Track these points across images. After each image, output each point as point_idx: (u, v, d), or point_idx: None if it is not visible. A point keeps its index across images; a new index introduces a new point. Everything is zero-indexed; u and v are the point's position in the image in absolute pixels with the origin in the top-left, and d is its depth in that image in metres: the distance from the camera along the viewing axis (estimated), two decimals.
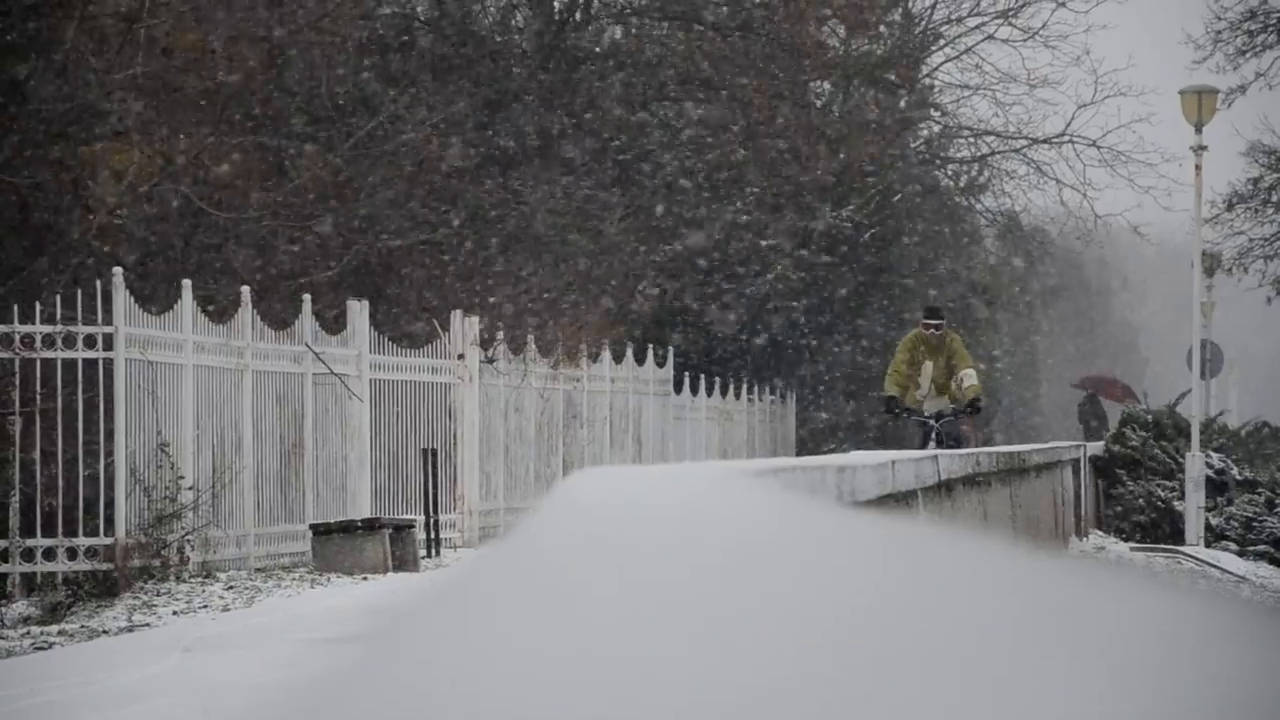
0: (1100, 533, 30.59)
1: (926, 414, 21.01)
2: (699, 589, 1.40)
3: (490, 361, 24.94)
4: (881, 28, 42.98)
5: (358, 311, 22.30)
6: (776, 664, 1.12)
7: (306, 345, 20.97)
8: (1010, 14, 45.00)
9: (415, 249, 31.10)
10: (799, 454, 36.13)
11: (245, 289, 20.44)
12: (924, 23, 44.90)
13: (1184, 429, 32.76)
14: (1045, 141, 45.33)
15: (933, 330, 21.35)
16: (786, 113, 38.48)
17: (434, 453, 22.95)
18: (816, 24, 40.23)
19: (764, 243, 38.42)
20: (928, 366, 21.10)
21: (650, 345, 31.49)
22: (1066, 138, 45.31)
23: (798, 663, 1.12)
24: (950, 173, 46.11)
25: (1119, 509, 32.22)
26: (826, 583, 1.39)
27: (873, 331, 40.03)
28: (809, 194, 38.94)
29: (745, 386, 35.71)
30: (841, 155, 39.69)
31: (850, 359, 40.17)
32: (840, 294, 39.76)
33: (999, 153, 45.67)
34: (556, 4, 38.41)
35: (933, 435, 20.56)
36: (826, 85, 42.22)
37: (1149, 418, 33.52)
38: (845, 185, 39.82)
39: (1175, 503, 31.66)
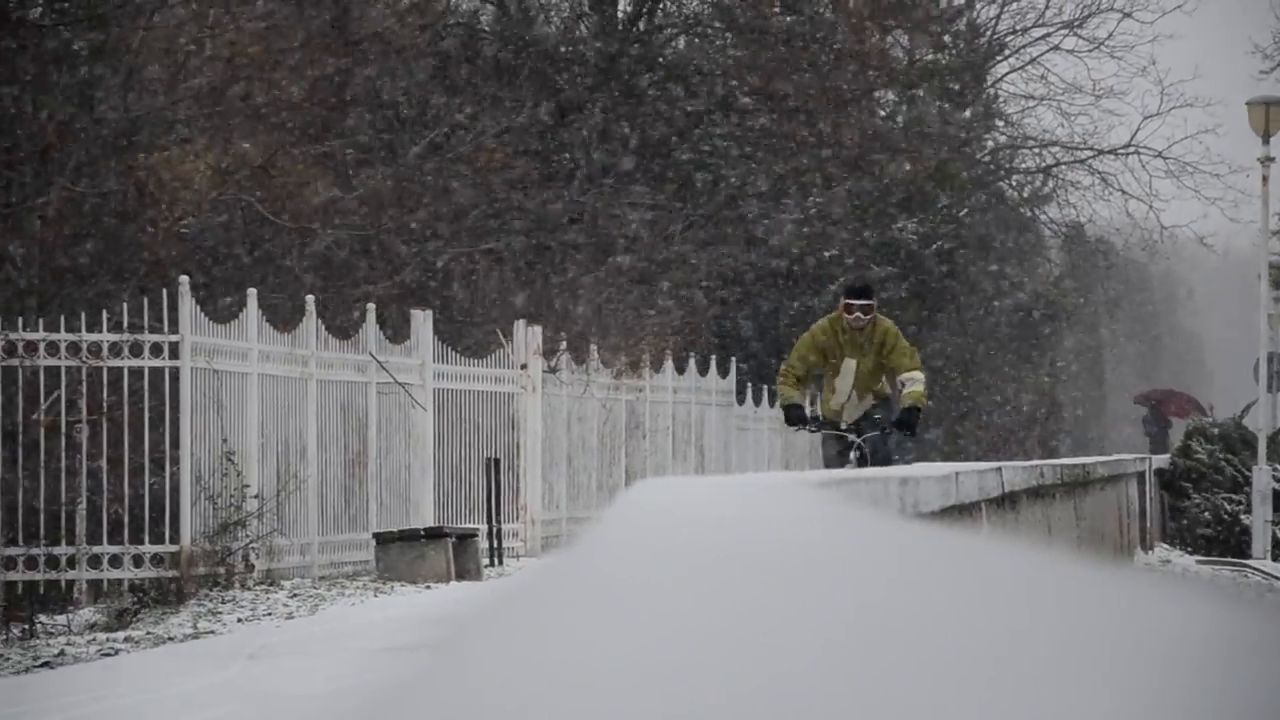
0: (1166, 546, 30.44)
1: (845, 425, 15.77)
2: (761, 601, 1.40)
3: (553, 371, 24.97)
4: (946, 38, 42.88)
5: (421, 321, 22.35)
6: (838, 677, 1.12)
7: (370, 354, 21.03)
8: (1076, 24, 44.86)
9: (478, 258, 31.17)
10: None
11: (310, 298, 20.51)
12: (989, 33, 44.78)
13: (1250, 442, 32.57)
14: (1111, 152, 45.14)
15: (857, 315, 15.39)
16: (850, 124, 38.42)
17: (497, 462, 22.98)
18: (881, 34, 40.16)
19: (827, 253, 38.36)
20: (848, 366, 15.51)
21: (713, 356, 31.48)
22: (1132, 148, 45.12)
23: (859, 675, 1.12)
24: (1015, 183, 45.96)
25: (1184, 522, 32.05)
26: (889, 596, 1.39)
27: (938, 343, 39.92)
28: (872, 205, 38.86)
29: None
30: (906, 166, 39.61)
31: None
32: (904, 305, 39.67)
33: (1064, 163, 45.51)
34: (620, 14, 38.45)
35: (854, 454, 15.56)
36: (890, 96, 42.14)
37: (1215, 430, 33.33)
38: (909, 196, 39.73)
39: (1242, 516, 31.49)
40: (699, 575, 1.62)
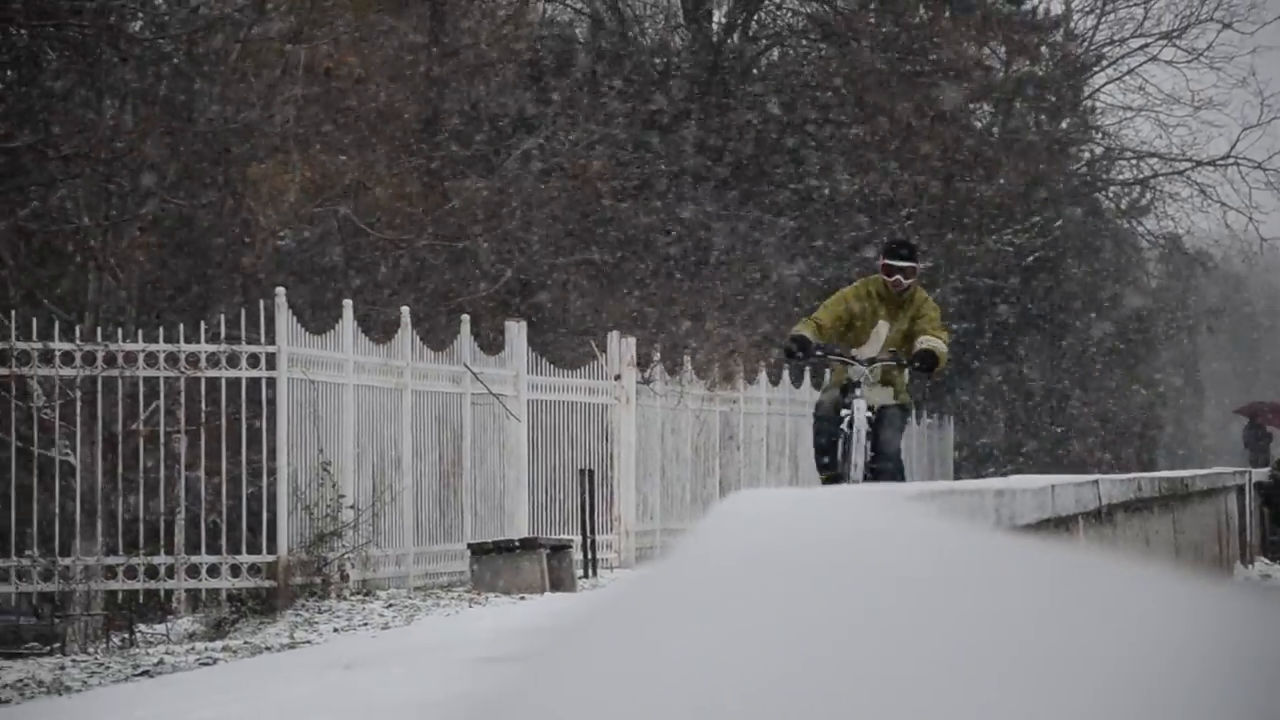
0: (1266, 560, 30.17)
1: (855, 400, 13.46)
2: (855, 613, 1.40)
3: (647, 382, 24.98)
4: (1043, 49, 42.67)
5: (516, 332, 22.41)
6: (934, 692, 1.11)
7: (465, 365, 21.10)
8: (1174, 35, 44.55)
9: (572, 269, 31.23)
10: (956, 477, 35.89)
11: (405, 309, 20.61)
12: (1086, 43, 44.53)
13: None
14: (1209, 164, 44.79)
15: (898, 278, 13.66)
16: (946, 135, 38.28)
17: (591, 473, 23.01)
18: (977, 45, 40.01)
19: (922, 264, 38.25)
20: (880, 330, 13.71)
21: (807, 367, 31.42)
22: (1231, 160, 44.75)
23: (955, 691, 1.11)
24: (1112, 195, 45.67)
25: None
26: (984, 610, 1.38)
27: (1034, 356, 39.71)
28: (968, 216, 38.70)
29: None
30: (1001, 178, 39.43)
31: (1011, 382, 39.86)
32: (1000, 317, 39.47)
33: (1162, 175, 45.19)
34: (715, 26, 38.46)
35: (854, 437, 13.37)
36: (987, 107, 41.96)
37: None
38: (1005, 208, 39.54)
39: None
40: (793, 588, 1.62)
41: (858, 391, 13.47)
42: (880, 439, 13.69)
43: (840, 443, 13.52)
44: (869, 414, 13.52)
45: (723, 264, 34.81)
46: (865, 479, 13.40)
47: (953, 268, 38.47)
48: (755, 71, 38.32)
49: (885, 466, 13.64)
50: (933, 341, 13.54)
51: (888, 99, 37.57)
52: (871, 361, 13.60)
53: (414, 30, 30.09)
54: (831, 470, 13.55)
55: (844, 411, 13.55)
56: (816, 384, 31.41)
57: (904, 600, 1.45)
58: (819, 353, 13.56)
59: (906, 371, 13.79)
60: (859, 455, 13.39)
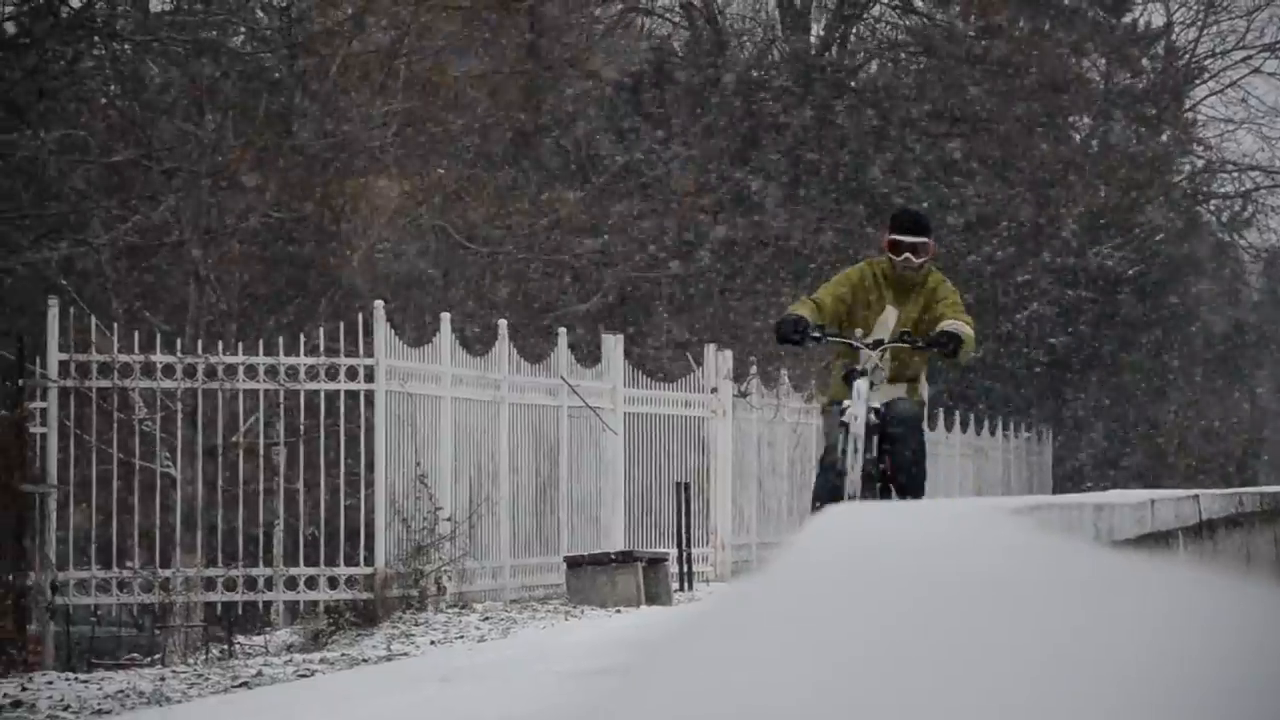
0: None
1: (859, 400, 11.24)
2: (952, 627, 1.39)
3: (743, 395, 24.96)
4: (1144, 61, 42.39)
5: (612, 345, 22.43)
6: (1032, 706, 1.10)
7: (562, 378, 21.14)
8: (1277, 46, 44.18)
9: (669, 282, 31.24)
10: (1055, 492, 35.67)
11: (502, 322, 20.66)
12: (1187, 56, 44.21)
13: None
14: None
15: (907, 256, 11.57)
16: (1045, 147, 38.08)
17: (687, 486, 23.00)
18: (1077, 58, 39.78)
19: (1020, 277, 38.03)
20: (888, 319, 11.63)
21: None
22: None
23: (1053, 705, 1.10)
24: (1213, 208, 45.33)
25: None
26: (1083, 624, 1.37)
27: (1134, 369, 39.44)
28: (1067, 229, 38.48)
29: (1000, 422, 35.36)
30: (1101, 191, 39.19)
31: (1111, 396, 39.60)
32: (1098, 331, 39.23)
33: (1264, 188, 44.81)
34: (814, 39, 38.41)
35: (859, 446, 11.20)
36: (1086, 119, 41.72)
37: None
38: (1105, 220, 39.30)
39: None
40: (890, 601, 1.61)
41: (860, 384, 11.21)
42: (893, 443, 11.49)
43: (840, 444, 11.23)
44: (875, 409, 11.32)
45: (819, 276, 34.74)
46: (867, 491, 11.19)
47: (1051, 282, 38.26)
48: (852, 85, 38.24)
49: (901, 480, 11.55)
50: (956, 324, 11.37)
51: (986, 112, 37.40)
52: (880, 345, 11.46)
53: (513, 44, 30.20)
54: (831, 496, 11.03)
55: (845, 402, 11.28)
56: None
57: (1000, 614, 1.44)
58: (818, 335, 11.36)
59: (924, 372, 11.87)
60: (854, 457, 11.13)
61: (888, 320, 11.67)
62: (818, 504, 10.96)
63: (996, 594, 1.62)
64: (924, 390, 12.10)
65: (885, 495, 11.72)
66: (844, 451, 11.23)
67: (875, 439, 11.41)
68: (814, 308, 11.52)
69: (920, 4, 39.41)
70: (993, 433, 34.92)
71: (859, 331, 11.56)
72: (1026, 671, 1.19)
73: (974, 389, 37.86)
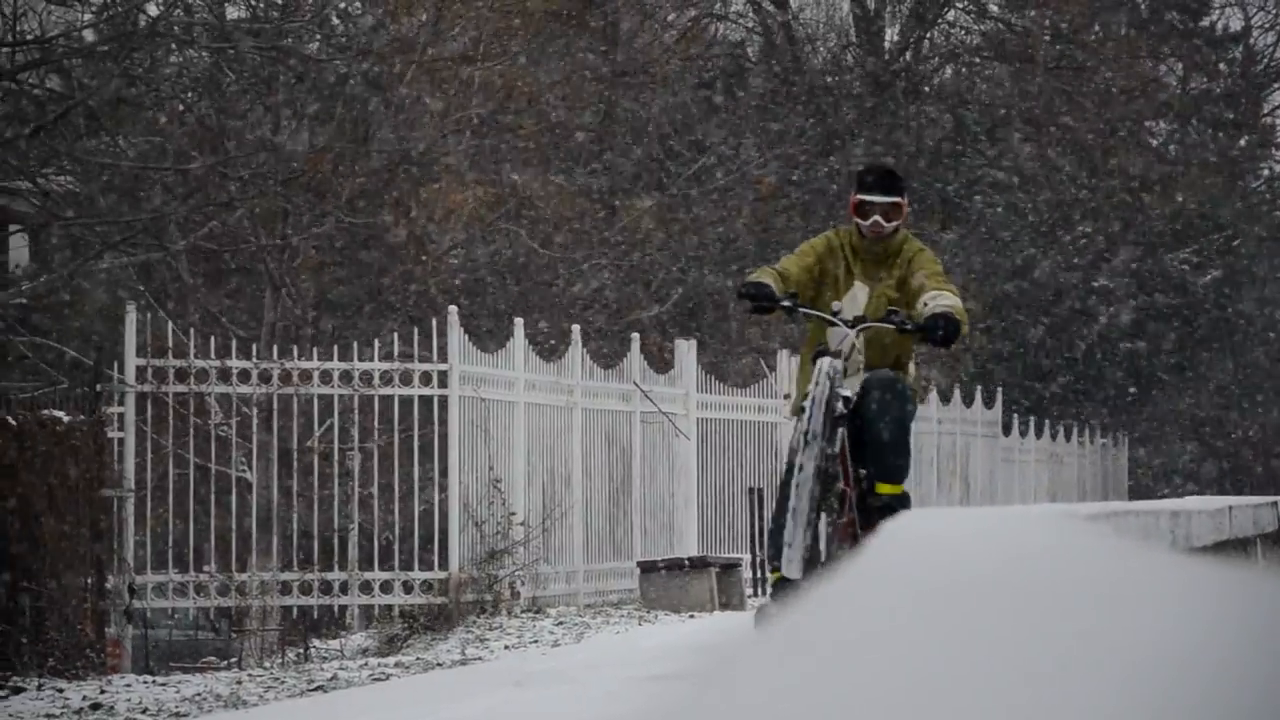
0: None
1: (821, 378, 9.41)
2: (1029, 636, 1.39)
3: None
4: (1221, 65, 42.14)
5: (685, 350, 22.44)
6: (1106, 714, 1.10)
7: (635, 384, 21.16)
8: None
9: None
10: (1131, 499, 35.47)
11: (575, 327, 20.70)
12: (1265, 60, 43.92)
13: None
14: None
15: (877, 221, 9.86)
16: (1121, 152, 37.90)
17: (760, 492, 22.99)
18: (1154, 62, 39.58)
19: (1096, 283, 37.85)
20: (857, 295, 9.92)
21: (979, 386, 31.20)
22: None
23: (1126, 711, 1.10)
24: None
25: None
26: (1161, 631, 1.36)
27: (1213, 374, 39.19)
28: (1144, 235, 38.28)
29: (1076, 428, 35.20)
30: (1178, 196, 38.97)
31: (1188, 402, 39.36)
32: (1178, 336, 39.00)
33: None
34: (888, 44, 38.33)
35: (811, 406, 9.32)
36: (1163, 125, 41.50)
37: None
38: (1181, 227, 39.08)
39: None
40: (963, 608, 1.61)
41: (826, 361, 9.46)
42: (865, 422, 9.53)
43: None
44: (846, 397, 9.47)
45: None
46: (820, 490, 9.22)
47: (1128, 288, 38.06)
48: (927, 89, 38.13)
49: (872, 470, 9.58)
50: (946, 299, 9.49)
51: (1061, 116, 37.25)
52: (860, 322, 9.68)
53: (588, 50, 30.24)
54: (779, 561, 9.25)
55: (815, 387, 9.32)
56: (988, 403, 31.18)
57: (1074, 622, 1.44)
58: (789, 304, 9.62)
59: (910, 360, 10.04)
60: (815, 420, 9.19)
61: (857, 298, 9.84)
62: (772, 547, 9.34)
63: (1071, 602, 1.61)
64: (910, 375, 10.13)
65: (842, 503, 9.48)
66: (795, 445, 9.34)
67: (841, 432, 9.38)
68: (777, 277, 9.72)
69: (995, 9, 39.28)
70: (1068, 439, 34.77)
71: (838, 305, 9.76)
72: (1105, 681, 1.18)
73: (1049, 394, 37.69)
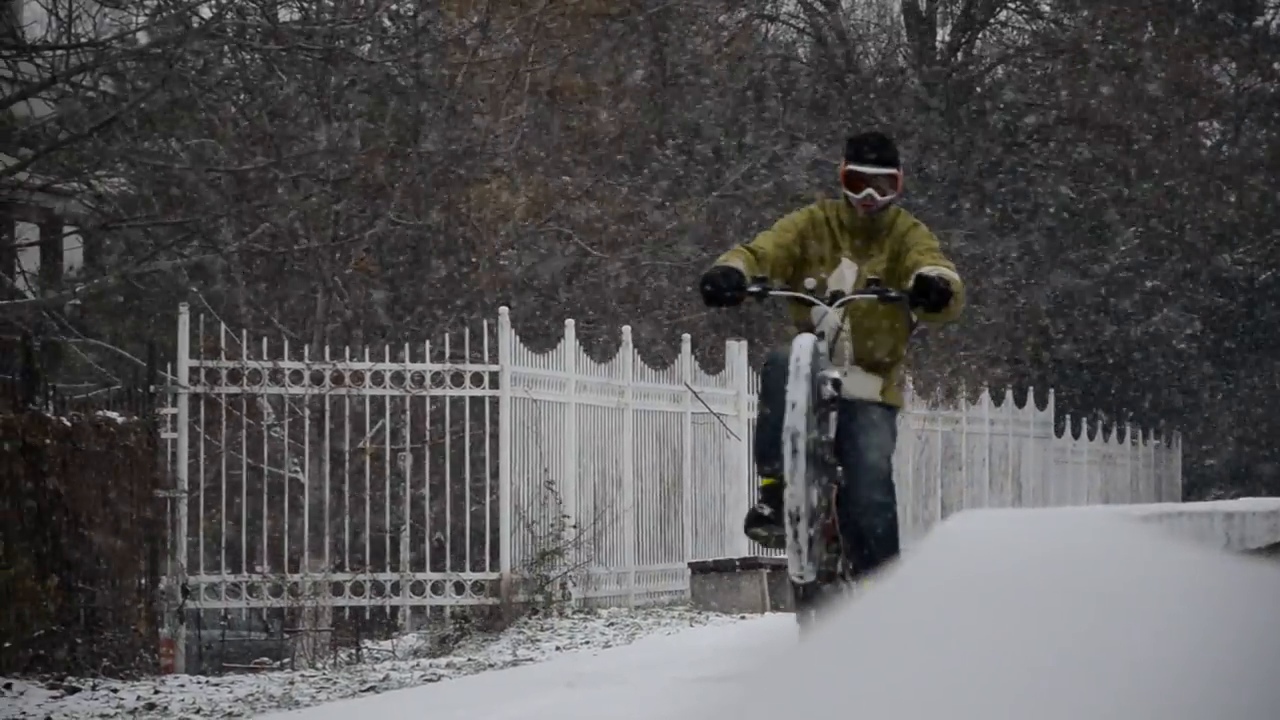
0: None
1: (806, 360, 8.48)
2: (1080, 634, 1.39)
3: None
4: (1275, 65, 41.92)
5: (736, 351, 22.42)
6: (1158, 713, 1.10)
7: (686, 384, 21.15)
8: None
9: None
10: (1185, 500, 35.33)
11: (626, 328, 20.70)
12: None
13: None
14: None
15: (869, 194, 9.06)
16: (1174, 152, 37.74)
17: None
18: (1207, 62, 39.40)
19: (1149, 284, 37.70)
20: (845, 273, 9.06)
21: (1031, 387, 31.11)
22: None
23: (1181, 713, 1.10)
24: None
25: None
26: (1215, 633, 1.36)
27: (1266, 374, 39.00)
28: (1198, 235, 38.12)
29: (1129, 429, 35.06)
30: (1232, 196, 38.79)
31: (1242, 402, 39.18)
32: (1231, 336, 38.82)
33: None
34: (939, 44, 38.24)
35: (792, 374, 8.45)
36: (1216, 124, 41.32)
37: None
38: (1236, 227, 38.89)
39: None
40: (1017, 608, 1.60)
41: (820, 346, 8.58)
42: (856, 450, 8.88)
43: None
44: (834, 378, 8.65)
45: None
46: (817, 477, 8.54)
47: (1180, 287, 37.90)
48: (978, 90, 38.03)
49: (865, 498, 8.93)
50: (938, 268, 8.68)
51: (1114, 116, 37.11)
52: (839, 297, 8.85)
53: (637, 51, 30.25)
54: (772, 466, 8.59)
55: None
56: (1040, 404, 31.11)
57: (1130, 623, 1.43)
58: (757, 288, 8.74)
59: (900, 363, 9.16)
60: (797, 391, 8.31)
61: (844, 276, 8.97)
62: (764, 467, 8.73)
63: (1124, 603, 1.60)
64: (900, 390, 9.45)
65: (828, 501, 8.90)
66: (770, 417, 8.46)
67: (833, 417, 8.66)
68: (750, 258, 8.83)
69: (1047, 8, 39.15)
70: (1120, 439, 34.63)
71: (811, 282, 8.86)
72: (1156, 679, 1.18)
73: (1101, 396, 37.56)
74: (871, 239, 9.03)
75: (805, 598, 8.88)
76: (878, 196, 8.98)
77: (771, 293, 8.83)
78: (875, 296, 8.75)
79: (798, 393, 8.30)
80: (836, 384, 8.63)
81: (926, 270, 8.63)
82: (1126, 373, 38.07)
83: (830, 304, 8.80)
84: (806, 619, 8.90)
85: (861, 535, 8.92)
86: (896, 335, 9.03)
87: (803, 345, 8.40)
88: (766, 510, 8.67)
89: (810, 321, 8.77)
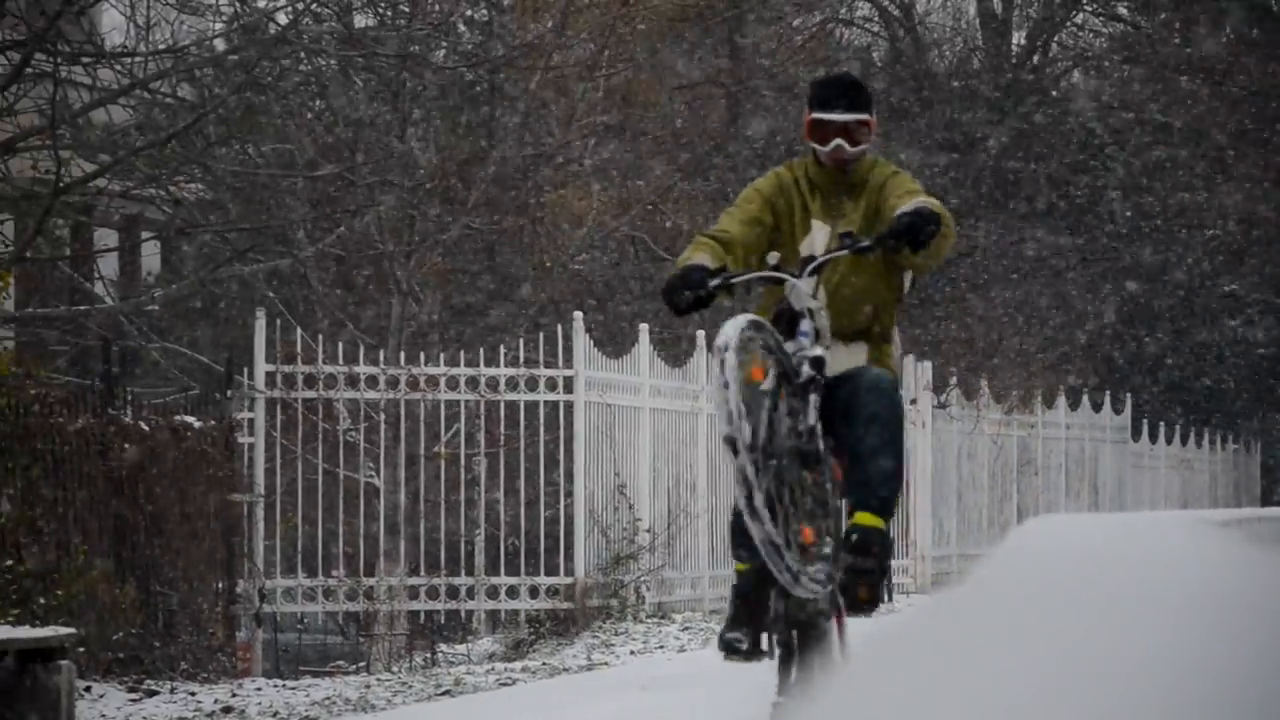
0: None
1: (733, 352, 6.96)
2: (1159, 640, 1.38)
3: (943, 406, 24.80)
4: None
5: None
6: (1236, 718, 1.10)
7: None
8: None
9: None
10: (1263, 504, 35.06)
11: (699, 333, 20.71)
12: None
13: None
14: None
15: (839, 144, 7.69)
16: (1250, 156, 37.49)
17: None
18: None
19: (1226, 287, 37.46)
20: (816, 237, 7.73)
21: (1107, 391, 30.95)
22: None
23: (1260, 717, 1.09)
24: None
25: None
26: None
27: None
28: (1276, 238, 37.84)
29: (1207, 434, 34.84)
30: None
31: None
32: None
33: None
34: (1014, 47, 38.10)
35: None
36: None
37: None
38: None
39: None
40: (1094, 614, 1.60)
41: (804, 326, 7.34)
42: (855, 428, 7.46)
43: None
44: (816, 358, 7.28)
45: (1022, 286, 34.43)
46: (805, 451, 7.20)
47: (1259, 291, 37.64)
48: (1055, 93, 37.87)
49: (869, 495, 7.49)
50: (919, 200, 7.45)
51: (1190, 120, 36.89)
52: (812, 263, 7.50)
53: (712, 54, 30.24)
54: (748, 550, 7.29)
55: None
56: (1116, 409, 30.96)
57: (1203, 628, 1.43)
58: (717, 281, 7.46)
59: (893, 326, 7.90)
60: (735, 402, 6.95)
61: (815, 240, 7.66)
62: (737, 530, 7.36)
63: (1203, 608, 1.60)
64: (896, 352, 7.97)
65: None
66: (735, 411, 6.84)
67: (814, 399, 7.25)
68: (714, 247, 7.58)
69: (1124, 11, 38.96)
70: (1199, 444, 34.41)
71: (775, 256, 7.53)
72: (1233, 683, 1.18)
73: (1179, 400, 37.34)
74: (846, 196, 7.71)
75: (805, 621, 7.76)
76: (849, 147, 7.64)
77: (733, 281, 7.46)
78: (847, 251, 7.45)
79: (732, 396, 6.85)
80: (818, 363, 7.27)
81: (904, 206, 7.37)
82: (1205, 377, 37.83)
83: (805, 276, 7.41)
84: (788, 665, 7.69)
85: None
86: (881, 301, 7.76)
87: (727, 334, 6.96)
88: (743, 643, 7.52)
89: (789, 302, 7.39)
